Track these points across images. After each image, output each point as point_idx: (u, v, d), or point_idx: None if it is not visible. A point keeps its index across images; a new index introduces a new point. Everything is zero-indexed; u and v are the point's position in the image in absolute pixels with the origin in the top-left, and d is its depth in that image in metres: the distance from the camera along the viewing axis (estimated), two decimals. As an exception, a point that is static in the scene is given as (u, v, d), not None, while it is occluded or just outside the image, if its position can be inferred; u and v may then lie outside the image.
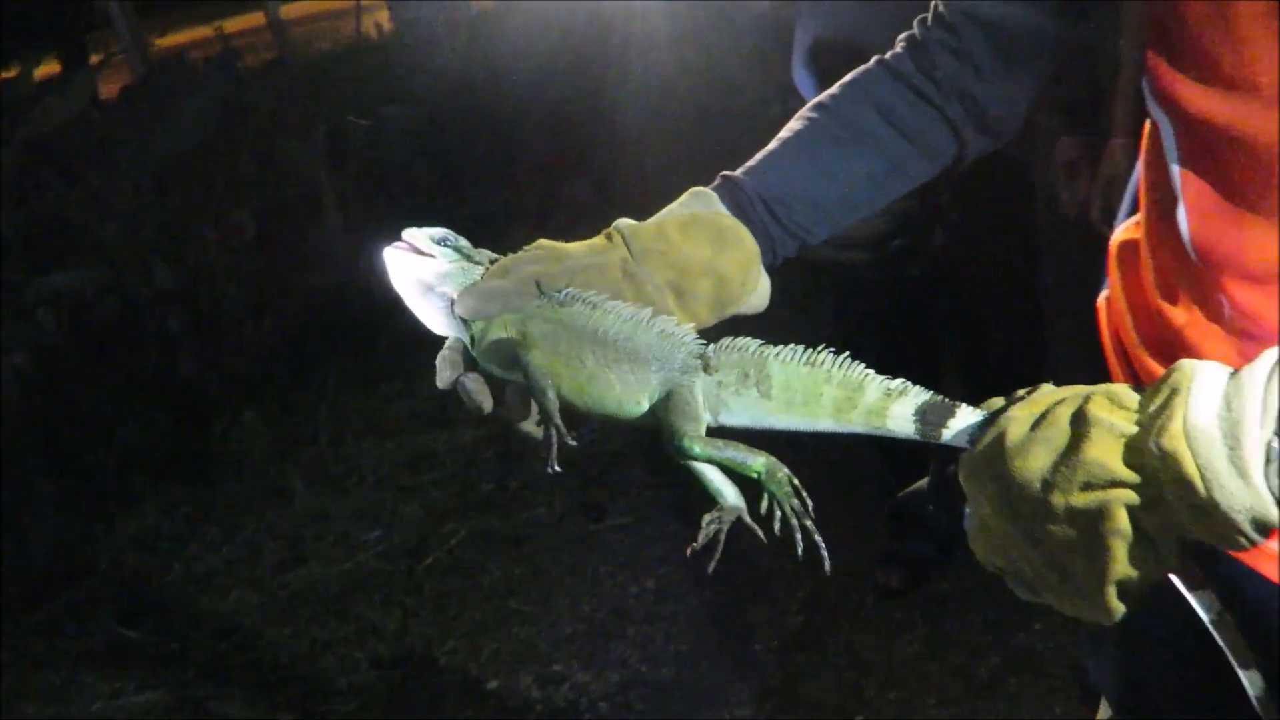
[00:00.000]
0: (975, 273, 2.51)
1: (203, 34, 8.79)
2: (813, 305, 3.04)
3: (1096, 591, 0.71)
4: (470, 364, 0.92)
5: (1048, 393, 0.75)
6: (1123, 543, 0.69)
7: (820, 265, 2.55)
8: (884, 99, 1.02)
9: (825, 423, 0.83)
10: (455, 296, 0.91)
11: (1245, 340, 0.90)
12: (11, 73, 5.12)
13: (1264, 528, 0.66)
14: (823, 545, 0.82)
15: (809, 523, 0.83)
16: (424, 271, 0.92)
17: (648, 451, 3.17)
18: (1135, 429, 0.69)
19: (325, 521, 3.34)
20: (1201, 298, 0.93)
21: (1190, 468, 0.66)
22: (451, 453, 3.54)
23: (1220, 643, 0.83)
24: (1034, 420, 0.72)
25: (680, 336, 0.87)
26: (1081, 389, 0.73)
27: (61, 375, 4.03)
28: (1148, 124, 0.99)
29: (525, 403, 0.91)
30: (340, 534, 3.27)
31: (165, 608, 3.09)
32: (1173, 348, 0.95)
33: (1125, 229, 1.07)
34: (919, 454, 2.55)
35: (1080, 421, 0.70)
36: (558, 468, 0.85)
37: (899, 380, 0.81)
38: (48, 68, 5.59)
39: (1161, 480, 0.67)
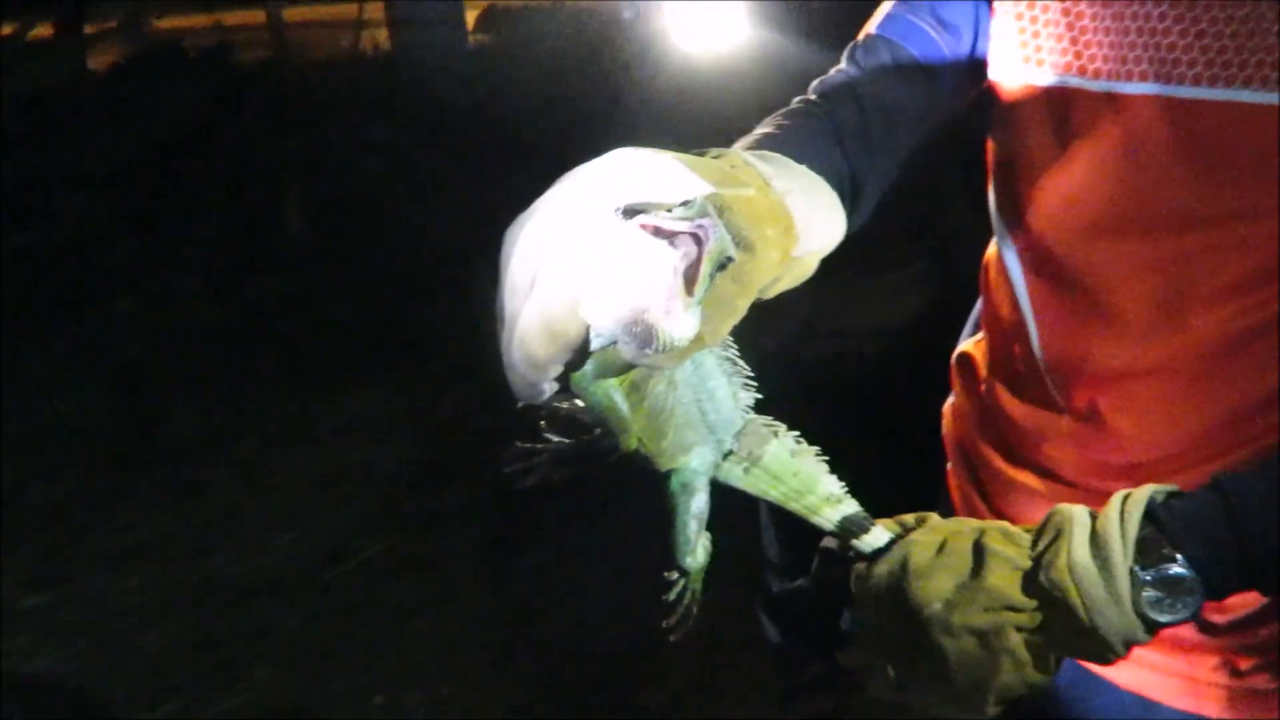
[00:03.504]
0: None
1: (203, 22, 8.83)
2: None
3: (977, 696, 0.82)
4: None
5: (940, 523, 0.85)
6: (1009, 658, 0.80)
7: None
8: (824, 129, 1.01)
9: (772, 499, 0.87)
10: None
11: (1078, 440, 1.02)
12: (8, 30, 5.16)
13: (1129, 645, 0.79)
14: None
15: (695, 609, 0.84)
16: (664, 322, 0.70)
17: (574, 496, 3.24)
18: (1028, 563, 0.80)
19: (241, 519, 3.36)
20: (1045, 401, 1.05)
21: (1075, 598, 0.77)
22: (378, 469, 3.59)
23: None
24: (936, 547, 0.82)
25: (745, 400, 0.83)
26: (973, 522, 0.84)
27: (3, 334, 4.04)
28: (991, 252, 1.12)
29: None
30: (254, 533, 3.29)
31: (68, 580, 3.09)
32: (1015, 444, 1.08)
33: (964, 345, 1.20)
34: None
35: (980, 552, 0.81)
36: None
37: (841, 486, 0.87)
38: (43, 30, 5.62)
39: (1048, 607, 0.79)
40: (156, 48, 5.54)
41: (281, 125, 5.09)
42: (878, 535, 0.86)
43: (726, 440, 0.83)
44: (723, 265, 0.69)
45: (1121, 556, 0.77)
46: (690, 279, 0.68)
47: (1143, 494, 0.79)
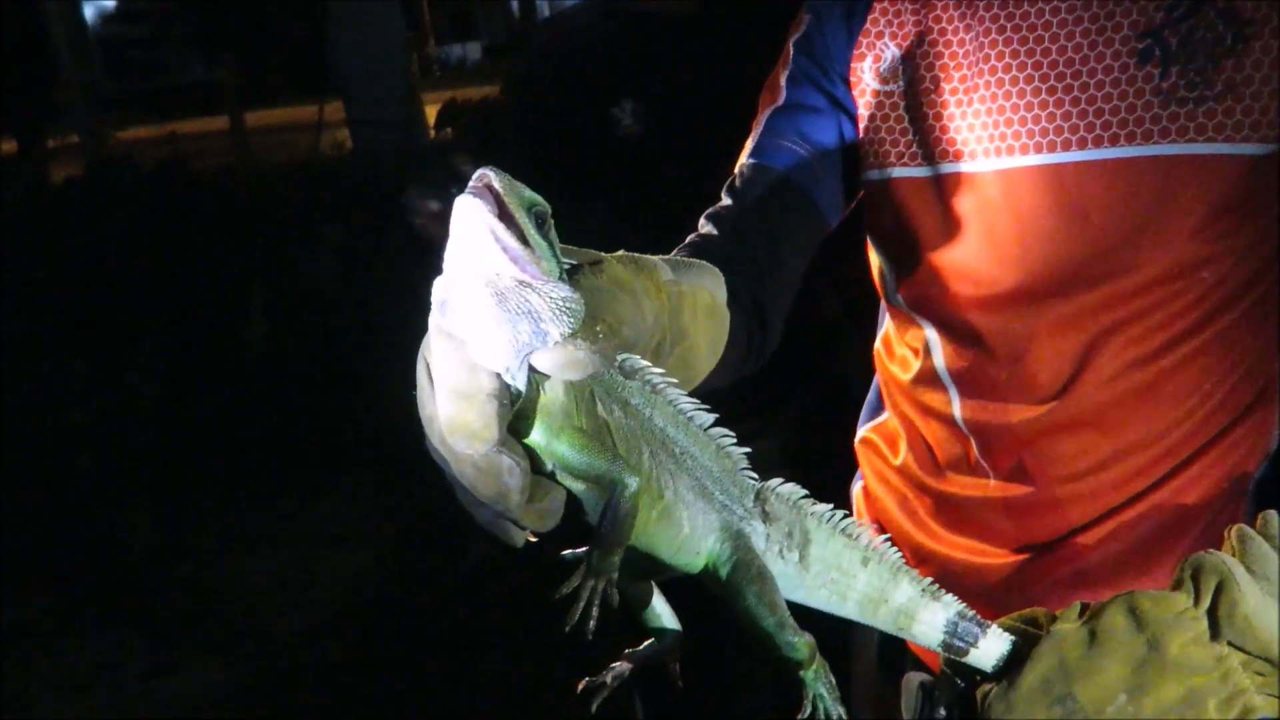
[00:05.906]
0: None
1: (163, 131, 8.92)
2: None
3: None
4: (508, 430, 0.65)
5: (1063, 612, 0.75)
6: None
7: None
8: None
9: (850, 609, 0.73)
10: (559, 342, 0.63)
11: (1008, 502, 1.03)
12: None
13: None
14: None
15: None
16: (527, 278, 0.62)
17: (540, 587, 3.19)
18: (1198, 621, 0.71)
19: (200, 630, 3.30)
20: (970, 468, 1.05)
21: (1272, 645, 0.70)
22: (340, 572, 3.54)
23: None
24: (1086, 637, 0.72)
25: (736, 458, 0.71)
26: (1100, 601, 0.74)
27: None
28: (888, 334, 1.13)
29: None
30: (214, 645, 3.23)
31: (24, 705, 3.02)
32: (941, 517, 1.08)
33: (865, 430, 1.20)
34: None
35: (1144, 626, 0.71)
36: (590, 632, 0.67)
37: (929, 580, 0.74)
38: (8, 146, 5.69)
39: (1237, 660, 0.71)
40: (109, 162, 5.59)
41: (239, 234, 5.12)
42: (996, 641, 0.72)
43: (738, 508, 0.70)
44: (539, 214, 0.63)
45: None
46: (508, 222, 0.62)
47: (1271, 517, 0.74)
